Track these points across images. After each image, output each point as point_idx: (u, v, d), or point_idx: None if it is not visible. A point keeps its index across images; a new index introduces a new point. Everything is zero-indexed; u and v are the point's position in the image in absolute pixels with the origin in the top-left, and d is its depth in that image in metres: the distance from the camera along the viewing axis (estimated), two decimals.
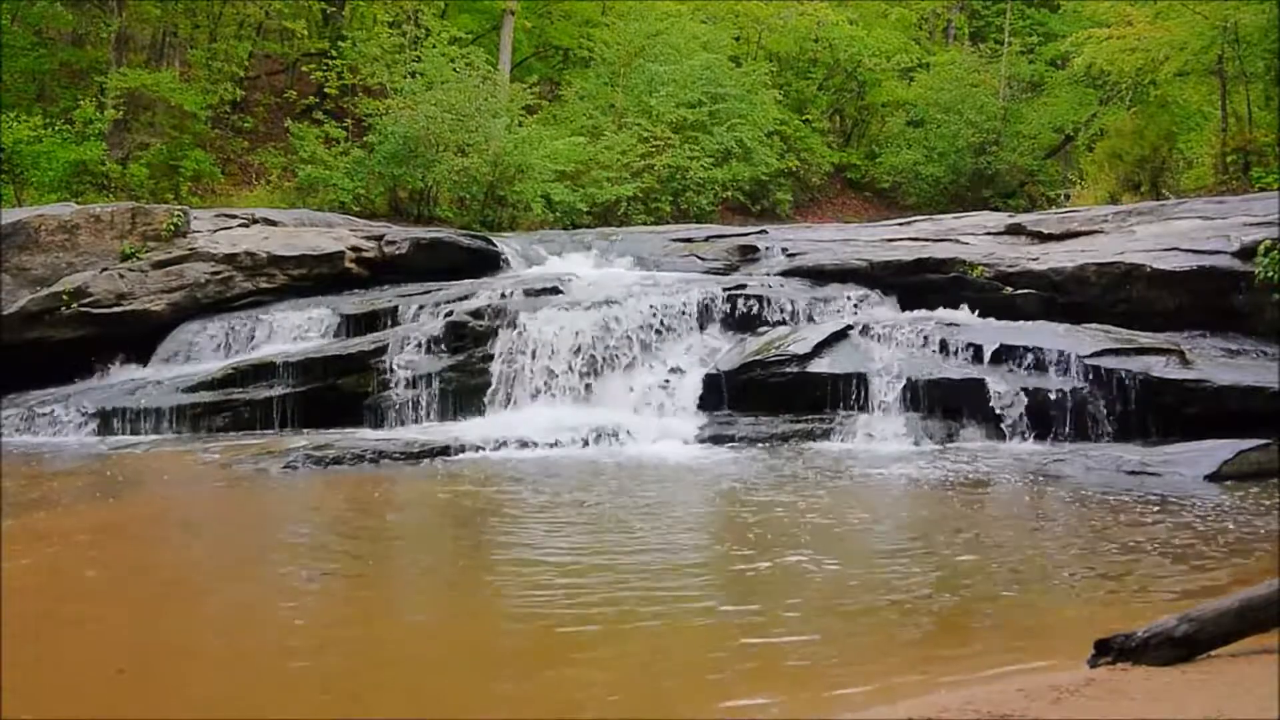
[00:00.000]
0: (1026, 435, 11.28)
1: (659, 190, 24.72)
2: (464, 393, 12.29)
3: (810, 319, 13.09)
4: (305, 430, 11.65)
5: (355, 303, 13.51)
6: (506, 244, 15.64)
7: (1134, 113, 25.03)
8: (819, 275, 13.96)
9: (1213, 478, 9.63)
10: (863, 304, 13.38)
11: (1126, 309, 12.64)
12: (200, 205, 18.53)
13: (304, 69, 25.59)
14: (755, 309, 13.20)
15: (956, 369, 11.80)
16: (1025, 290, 13.16)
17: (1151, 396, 11.18)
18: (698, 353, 12.67)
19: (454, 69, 22.72)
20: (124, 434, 11.66)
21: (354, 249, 14.38)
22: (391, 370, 12.23)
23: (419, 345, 12.42)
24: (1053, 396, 11.34)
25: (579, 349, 12.50)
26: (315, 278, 13.99)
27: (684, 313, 13.03)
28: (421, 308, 13.12)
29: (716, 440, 11.48)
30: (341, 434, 11.28)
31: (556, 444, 11.12)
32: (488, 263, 14.89)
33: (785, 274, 14.12)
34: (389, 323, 13.07)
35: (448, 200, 22.17)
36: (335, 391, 12.21)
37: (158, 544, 7.97)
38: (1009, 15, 32.30)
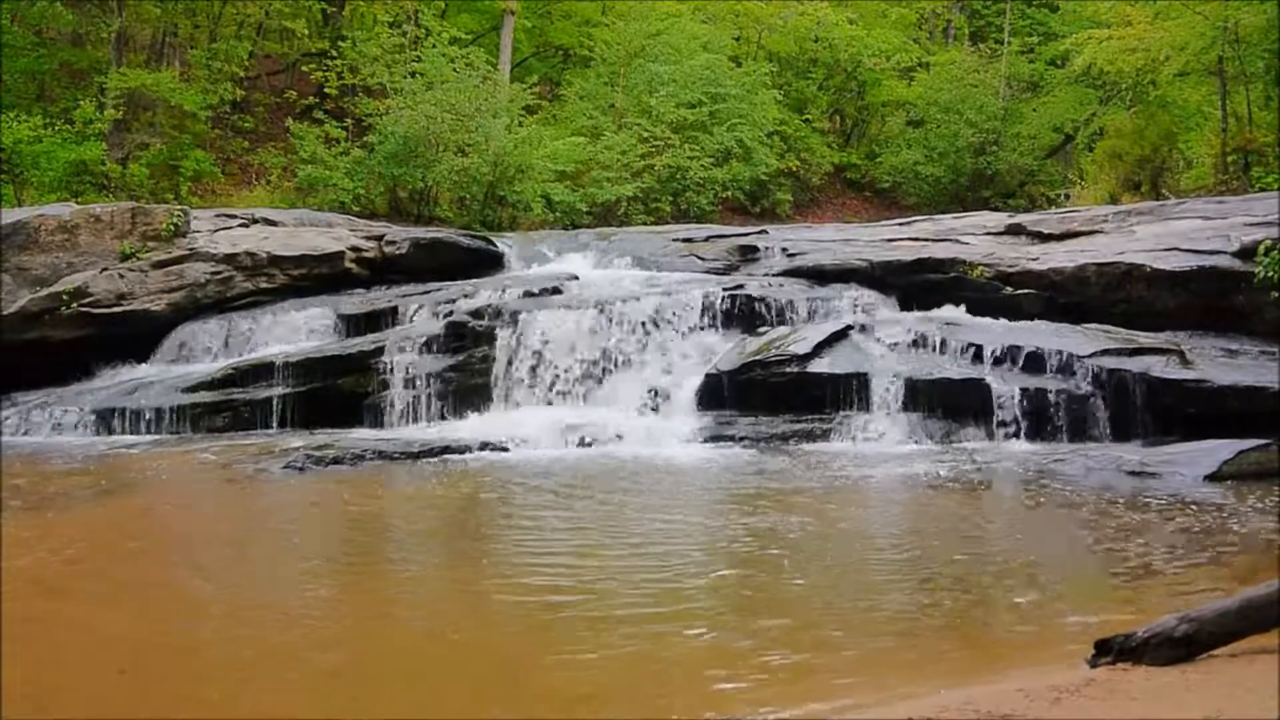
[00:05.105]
0: (1026, 435, 11.28)
1: (659, 190, 24.70)
2: (464, 393, 12.29)
3: (810, 319, 13.09)
4: (305, 430, 11.65)
5: (355, 303, 13.51)
6: (506, 244, 15.64)
7: (1134, 113, 25.03)
8: (819, 275, 13.95)
9: (1213, 478, 9.63)
10: (863, 304, 13.38)
11: (1126, 309, 12.64)
12: (200, 205, 18.52)
13: (304, 69, 25.57)
14: (755, 309, 13.20)
15: (956, 369, 11.80)
16: (1025, 290, 13.16)
17: (1151, 396, 11.17)
18: (698, 353, 12.66)
19: (454, 69, 22.68)
20: (124, 434, 11.66)
21: (354, 249, 14.38)
22: (391, 370, 12.23)
23: (419, 345, 12.42)
24: (1053, 396, 11.34)
25: (579, 349, 12.50)
26: (315, 278, 13.99)
27: (684, 313, 13.03)
28: (421, 308, 13.12)
29: (716, 440, 11.47)
30: (341, 434, 11.28)
31: (555, 444, 11.11)
32: (488, 263, 14.90)
33: (785, 274, 14.11)
34: (389, 323, 13.07)
35: (448, 200, 22.16)
36: (335, 391, 12.21)
37: (158, 545, 7.97)
38: (1009, 15, 32.27)
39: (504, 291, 13.42)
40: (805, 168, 28.72)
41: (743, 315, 13.16)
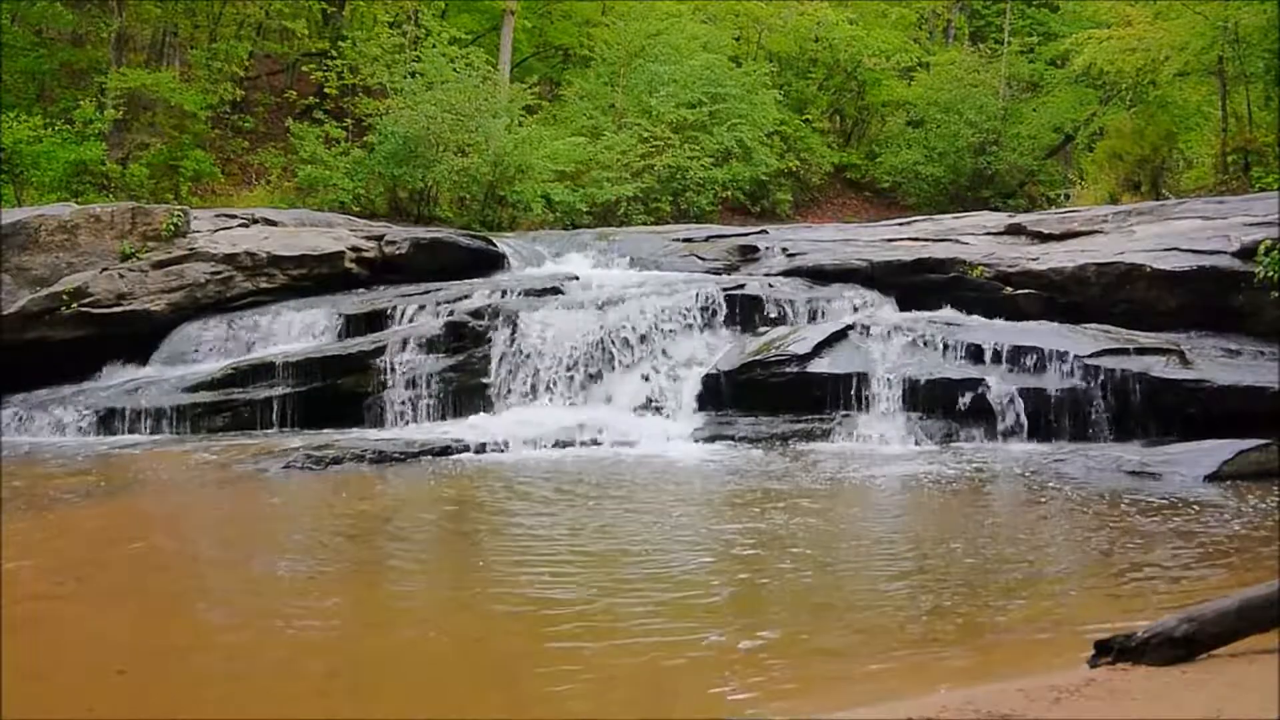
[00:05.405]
0: (1026, 435, 11.27)
1: (659, 190, 24.71)
2: (464, 393, 12.29)
3: (810, 319, 13.09)
4: (305, 430, 11.65)
5: (355, 303, 13.50)
6: (506, 244, 15.63)
7: (1134, 113, 25.06)
8: (819, 275, 13.95)
9: (1213, 478, 9.63)
10: (863, 304, 13.38)
11: (1126, 309, 12.63)
12: (200, 205, 18.52)
13: (304, 69, 25.58)
14: (755, 309, 13.20)
15: (956, 369, 11.80)
16: (1025, 290, 13.15)
17: (1151, 396, 11.17)
18: (697, 353, 12.66)
19: (454, 69, 22.71)
20: (124, 434, 11.66)
21: (354, 249, 14.37)
22: (391, 370, 12.22)
23: (419, 345, 12.42)
24: (1053, 396, 11.34)
25: (578, 349, 12.50)
26: (315, 278, 13.98)
27: (684, 313, 13.03)
28: (421, 308, 13.11)
29: (716, 440, 11.47)
30: (341, 434, 11.28)
31: (556, 444, 11.11)
32: (488, 263, 14.88)
33: (785, 274, 14.11)
34: (389, 323, 13.06)
35: (448, 200, 22.17)
36: (335, 391, 12.20)
37: (157, 544, 7.97)
38: (1009, 15, 32.29)
39: (504, 291, 13.41)
40: (805, 168, 28.73)
41: (743, 315, 13.15)
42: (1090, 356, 11.47)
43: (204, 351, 12.98)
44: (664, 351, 12.70)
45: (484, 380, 12.37)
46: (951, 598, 6.34)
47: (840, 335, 12.40)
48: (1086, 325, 12.21)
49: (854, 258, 14.10)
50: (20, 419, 11.83)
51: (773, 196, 27.38)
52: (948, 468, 10.21)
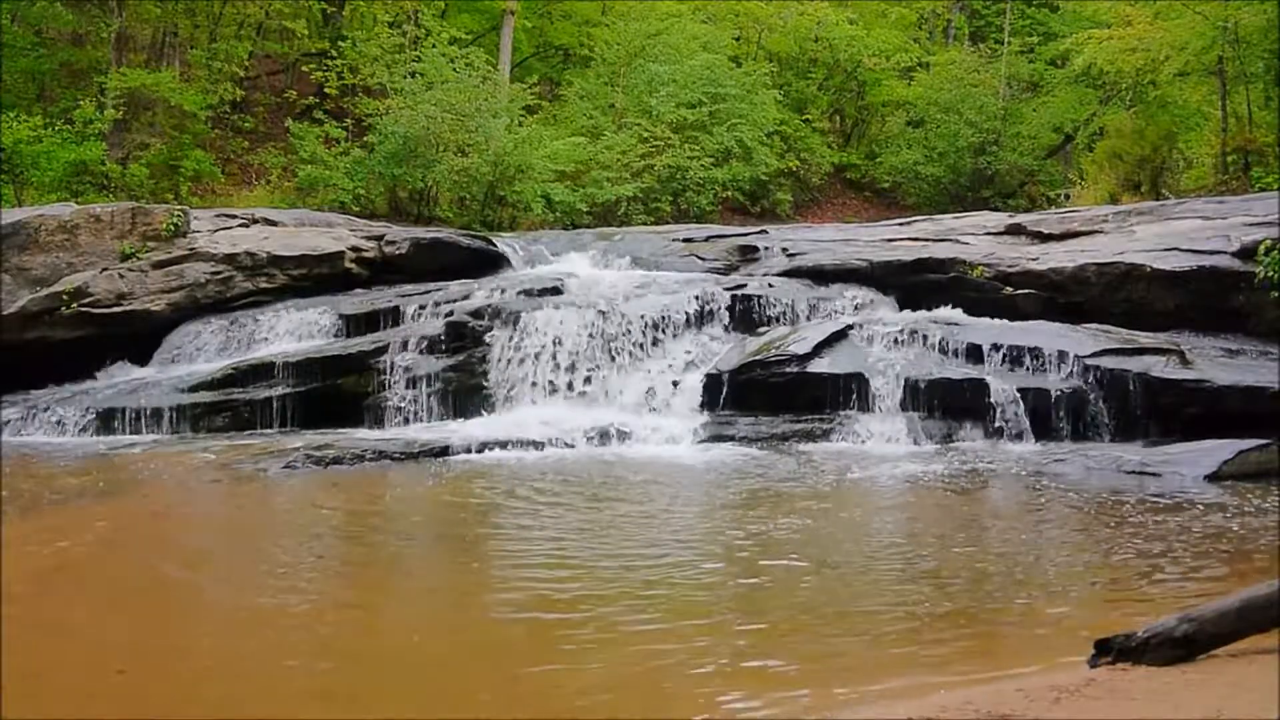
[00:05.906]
0: (1026, 435, 11.28)
1: (659, 190, 24.70)
2: (464, 393, 12.30)
3: (810, 319, 13.08)
4: (305, 430, 11.65)
5: (355, 303, 13.51)
6: (506, 244, 15.63)
7: (1134, 113, 25.06)
8: (819, 275, 13.95)
9: (1213, 478, 9.63)
10: (863, 304, 13.38)
11: (1126, 309, 12.64)
12: (200, 205, 18.52)
13: (304, 69, 25.58)
14: (755, 309, 13.20)
15: (956, 369, 11.80)
16: (1025, 290, 13.16)
17: (1151, 396, 11.18)
18: (698, 353, 12.67)
19: (454, 69, 22.70)
20: (124, 434, 11.66)
21: (354, 249, 14.37)
22: (391, 370, 12.23)
23: (419, 345, 12.42)
24: (1053, 396, 11.34)
25: (579, 349, 12.50)
26: (315, 278, 13.98)
27: (684, 313, 13.03)
28: (421, 308, 13.12)
29: (716, 440, 11.47)
30: (341, 434, 11.28)
31: (556, 444, 11.11)
32: (488, 263, 14.88)
33: (785, 274, 14.10)
34: (389, 323, 13.06)
35: (448, 200, 22.16)
36: (335, 391, 12.21)
37: (157, 545, 7.97)
38: (1009, 15, 32.29)
39: (504, 291, 13.41)
40: (805, 168, 28.73)
41: (743, 315, 13.16)
42: (1090, 356, 11.47)
43: (204, 351, 12.98)
44: (664, 351, 12.70)
45: (484, 380, 12.38)
46: (952, 598, 6.34)
47: (840, 335, 12.40)
48: (1086, 325, 12.22)
49: (854, 258, 14.10)
50: (20, 419, 11.82)
51: (773, 196, 27.38)
52: (948, 468, 10.21)
